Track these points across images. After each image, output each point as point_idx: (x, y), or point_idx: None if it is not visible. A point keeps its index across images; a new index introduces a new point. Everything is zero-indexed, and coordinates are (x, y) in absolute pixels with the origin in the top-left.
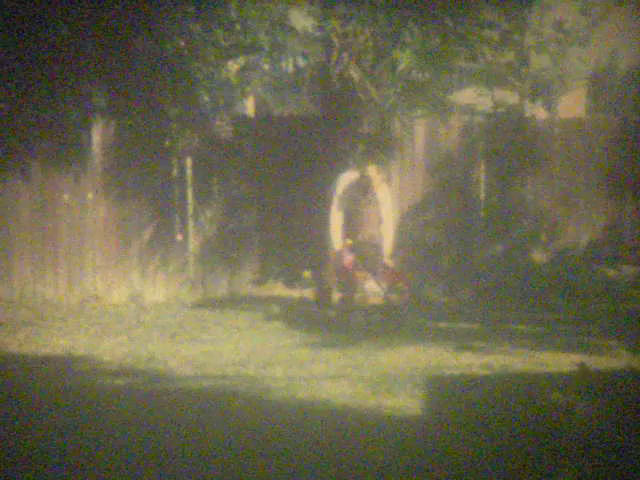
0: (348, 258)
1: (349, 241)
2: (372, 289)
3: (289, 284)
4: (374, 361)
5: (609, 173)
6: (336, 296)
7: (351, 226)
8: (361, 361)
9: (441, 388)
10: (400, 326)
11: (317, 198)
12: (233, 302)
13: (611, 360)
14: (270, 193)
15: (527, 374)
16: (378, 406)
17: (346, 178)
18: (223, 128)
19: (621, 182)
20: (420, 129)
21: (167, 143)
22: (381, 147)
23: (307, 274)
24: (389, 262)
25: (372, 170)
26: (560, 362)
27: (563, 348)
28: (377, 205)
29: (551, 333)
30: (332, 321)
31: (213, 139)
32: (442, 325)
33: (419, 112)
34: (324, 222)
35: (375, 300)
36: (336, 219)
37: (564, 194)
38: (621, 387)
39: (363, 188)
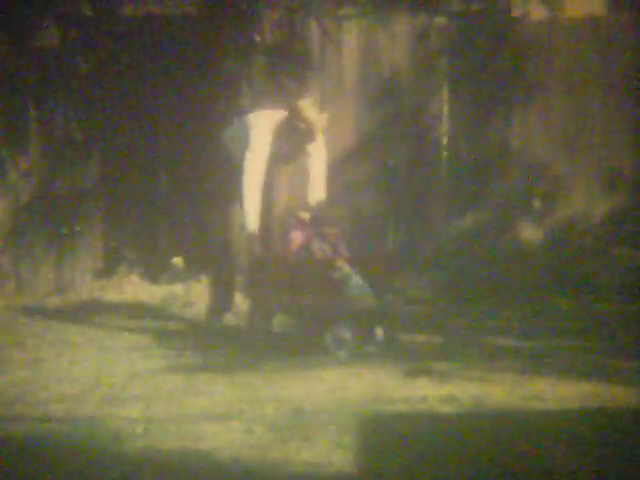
0: (297, 238)
1: (301, 213)
2: None
3: (151, 276)
4: (281, 393)
5: None
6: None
7: (269, 191)
8: (262, 393)
9: (380, 432)
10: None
11: (190, 141)
12: (63, 303)
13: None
14: (120, 134)
15: (513, 412)
16: (285, 461)
17: (268, 117)
18: (43, 31)
19: None
20: (350, 38)
21: None
22: (292, 63)
23: (179, 261)
24: None
25: (308, 103)
26: (563, 394)
27: (567, 372)
28: (308, 158)
29: (550, 349)
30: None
31: (27, 48)
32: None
33: (347, 10)
34: (207, 182)
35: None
36: (255, 180)
37: (570, 136)
38: None
39: (297, 132)
